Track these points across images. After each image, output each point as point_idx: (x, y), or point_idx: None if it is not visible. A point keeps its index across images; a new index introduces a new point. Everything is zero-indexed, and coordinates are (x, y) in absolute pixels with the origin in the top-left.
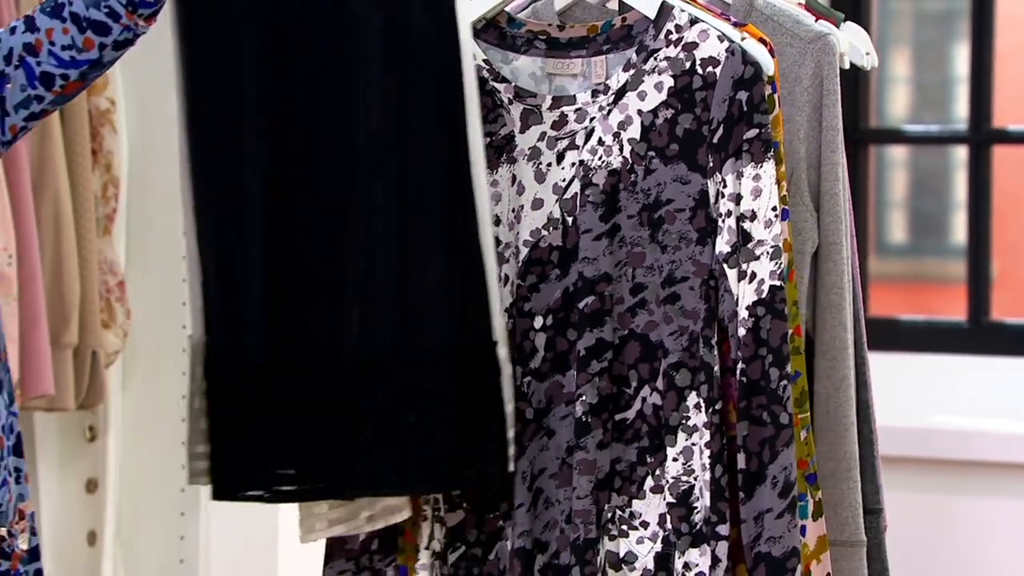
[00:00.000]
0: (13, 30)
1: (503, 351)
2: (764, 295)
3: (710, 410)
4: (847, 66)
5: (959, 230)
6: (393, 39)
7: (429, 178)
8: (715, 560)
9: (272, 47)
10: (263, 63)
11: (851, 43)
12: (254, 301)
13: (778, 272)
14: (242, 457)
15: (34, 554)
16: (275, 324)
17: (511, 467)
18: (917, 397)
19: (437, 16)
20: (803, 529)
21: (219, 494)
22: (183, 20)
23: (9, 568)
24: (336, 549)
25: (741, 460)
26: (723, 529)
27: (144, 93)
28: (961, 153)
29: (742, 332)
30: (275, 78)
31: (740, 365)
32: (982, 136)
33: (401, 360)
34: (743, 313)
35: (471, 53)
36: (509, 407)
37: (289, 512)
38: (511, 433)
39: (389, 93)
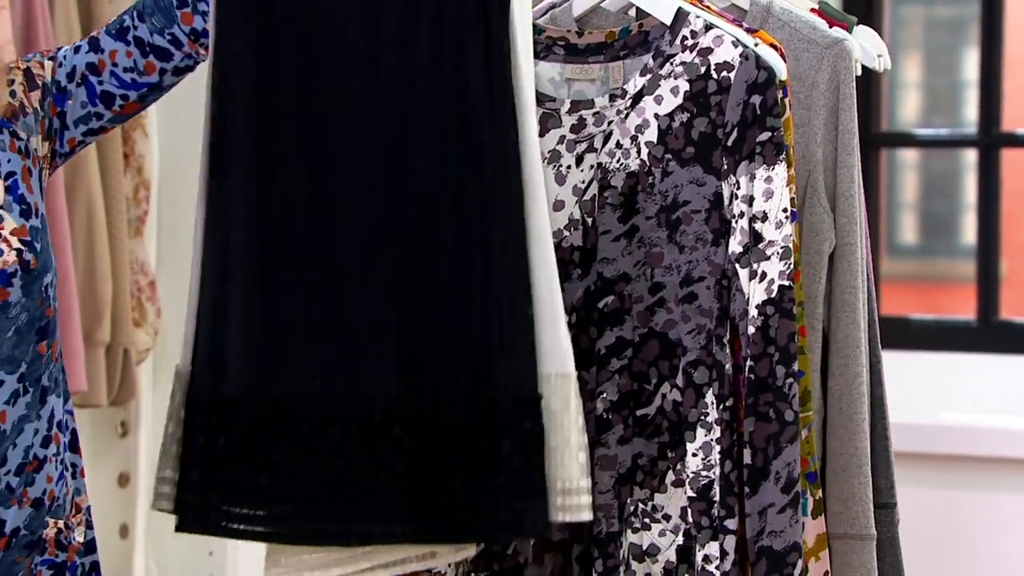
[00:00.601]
0: (77, 49)
1: (560, 405)
2: (774, 294)
3: (721, 407)
4: (859, 72)
5: (968, 231)
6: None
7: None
8: (723, 553)
9: (300, 86)
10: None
11: (863, 46)
12: (239, 337)
13: (787, 272)
14: (209, 491)
15: (90, 547)
16: (267, 363)
17: (565, 517)
18: (927, 394)
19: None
20: (802, 526)
21: (182, 525)
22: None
23: (66, 560)
24: None
25: (747, 455)
26: (731, 523)
27: (174, 98)
28: (970, 156)
29: (751, 330)
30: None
31: (749, 362)
32: (991, 139)
33: (386, 411)
34: (753, 312)
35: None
36: (572, 458)
37: None
38: (570, 483)
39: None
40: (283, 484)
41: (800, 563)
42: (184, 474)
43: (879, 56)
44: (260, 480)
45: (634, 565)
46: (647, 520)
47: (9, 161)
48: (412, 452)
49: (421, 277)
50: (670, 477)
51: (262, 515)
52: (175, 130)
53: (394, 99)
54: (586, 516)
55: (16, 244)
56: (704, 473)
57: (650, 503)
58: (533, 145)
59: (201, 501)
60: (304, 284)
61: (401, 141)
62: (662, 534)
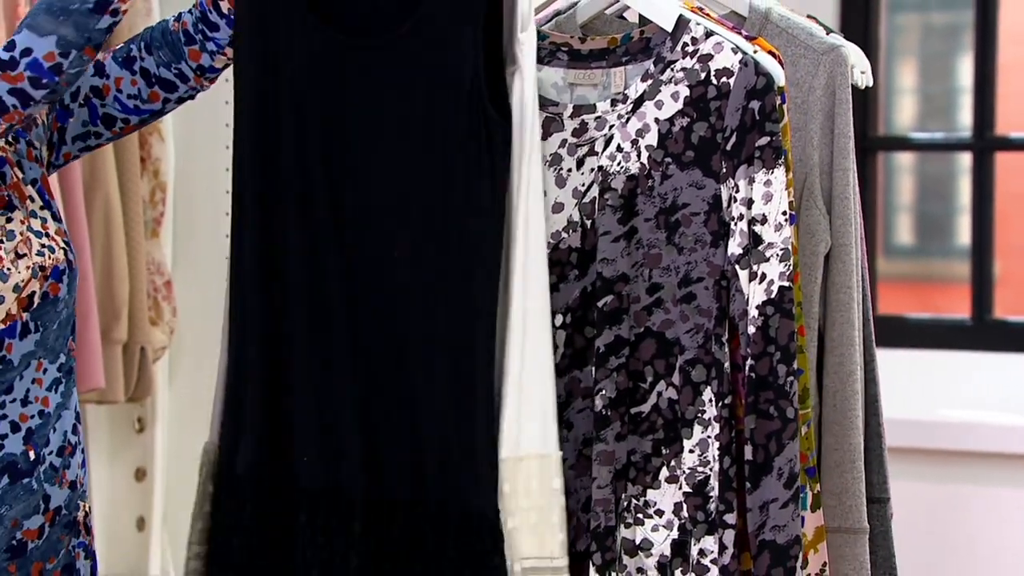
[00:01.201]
0: None
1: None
2: (773, 295)
3: (720, 404)
4: (857, 78)
5: (963, 232)
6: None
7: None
8: (721, 547)
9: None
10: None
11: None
12: (254, 417)
13: (787, 273)
14: (220, 562)
15: (89, 531)
16: (270, 447)
17: None
18: (923, 391)
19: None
20: (802, 520)
21: None
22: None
23: (88, 543)
24: None
25: (748, 452)
26: (730, 518)
27: (190, 103)
28: (965, 159)
29: (752, 330)
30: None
31: (749, 361)
32: (985, 143)
33: (369, 503)
34: (753, 312)
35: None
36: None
37: None
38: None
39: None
40: (264, 564)
41: (801, 556)
42: (207, 545)
43: (862, 73)
44: (260, 558)
45: (625, 559)
46: (639, 515)
47: (31, 169)
48: (369, 547)
49: (388, 384)
50: (664, 473)
51: None
52: (191, 134)
53: (383, 228)
54: None
55: (61, 243)
56: (700, 469)
57: (642, 499)
58: (539, 266)
59: (215, 573)
60: (305, 379)
61: (389, 259)
62: (655, 529)
